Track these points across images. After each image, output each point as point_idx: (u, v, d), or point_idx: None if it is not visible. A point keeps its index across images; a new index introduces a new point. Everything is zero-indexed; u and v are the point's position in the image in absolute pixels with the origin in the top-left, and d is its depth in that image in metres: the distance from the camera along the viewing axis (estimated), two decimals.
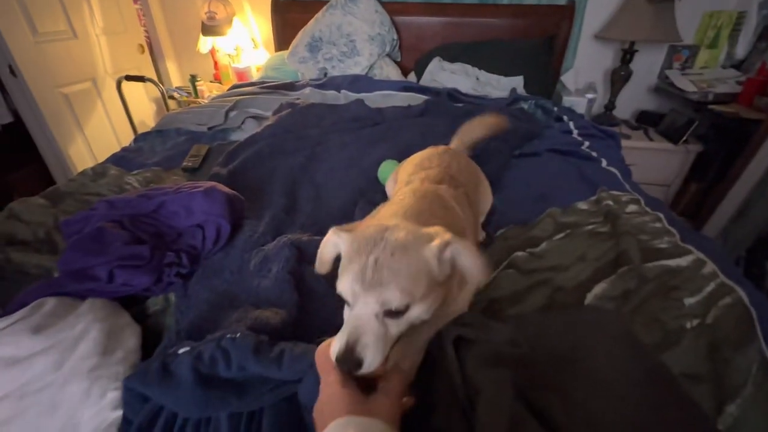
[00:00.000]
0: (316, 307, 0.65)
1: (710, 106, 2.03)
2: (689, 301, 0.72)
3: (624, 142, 2.13)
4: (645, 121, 2.40)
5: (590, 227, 0.95)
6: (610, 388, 0.45)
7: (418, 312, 0.46)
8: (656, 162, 2.21)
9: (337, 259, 0.51)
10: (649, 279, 0.77)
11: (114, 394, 0.51)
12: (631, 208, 1.03)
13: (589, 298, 0.73)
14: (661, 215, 0.99)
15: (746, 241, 1.68)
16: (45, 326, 0.54)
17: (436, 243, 0.47)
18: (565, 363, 0.50)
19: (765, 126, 1.66)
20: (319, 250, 0.53)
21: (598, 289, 0.75)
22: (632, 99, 2.49)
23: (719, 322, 0.67)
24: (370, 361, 0.42)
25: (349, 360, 0.41)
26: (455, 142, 1.17)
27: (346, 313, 0.48)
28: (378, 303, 0.44)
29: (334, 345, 0.43)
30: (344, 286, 0.46)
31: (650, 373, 0.48)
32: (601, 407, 0.44)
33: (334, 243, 0.51)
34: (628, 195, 1.09)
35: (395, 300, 0.43)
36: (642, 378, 0.47)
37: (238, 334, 0.49)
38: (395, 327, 0.45)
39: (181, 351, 0.50)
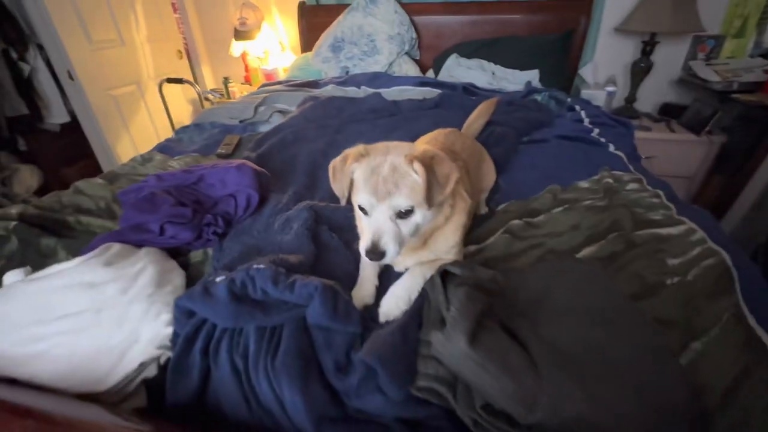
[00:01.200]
0: (328, 258, 0.76)
1: (734, 96, 2.00)
2: (672, 261, 0.77)
3: (645, 134, 2.14)
4: (668, 113, 2.37)
5: (589, 202, 1.01)
6: (572, 312, 0.53)
7: (420, 216, 0.63)
8: (678, 154, 2.18)
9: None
10: (638, 244, 0.83)
11: (166, 316, 0.63)
12: (632, 186, 1.08)
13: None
14: (661, 192, 1.04)
15: (765, 230, 1.65)
16: (113, 262, 0.68)
17: (405, 159, 0.62)
18: (538, 298, 0.58)
19: None
20: (336, 183, 0.68)
21: (587, 251, 0.81)
22: (655, 91, 2.47)
23: (698, 279, 0.73)
24: (391, 252, 0.59)
25: (375, 252, 0.59)
26: (463, 131, 1.26)
27: (364, 220, 0.65)
28: (389, 208, 0.61)
29: (363, 243, 0.61)
30: (363, 199, 0.63)
31: (611, 305, 0.55)
32: (562, 330, 0.51)
33: (349, 172, 0.67)
34: (631, 175, 1.14)
35: (403, 203, 0.61)
36: (599, 307, 0.54)
37: (262, 265, 0.60)
38: (404, 227, 0.62)
39: (218, 279, 0.62)
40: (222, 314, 0.57)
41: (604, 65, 2.49)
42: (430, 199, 0.60)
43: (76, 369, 0.57)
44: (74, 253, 0.83)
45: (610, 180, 1.08)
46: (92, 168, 2.65)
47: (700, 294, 0.69)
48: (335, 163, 0.69)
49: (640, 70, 2.27)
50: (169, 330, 0.62)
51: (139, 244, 0.77)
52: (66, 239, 0.88)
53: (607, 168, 1.14)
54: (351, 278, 0.73)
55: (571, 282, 0.60)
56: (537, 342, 0.50)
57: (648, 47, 2.20)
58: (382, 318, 0.63)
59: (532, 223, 0.93)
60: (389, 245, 0.59)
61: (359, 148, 0.67)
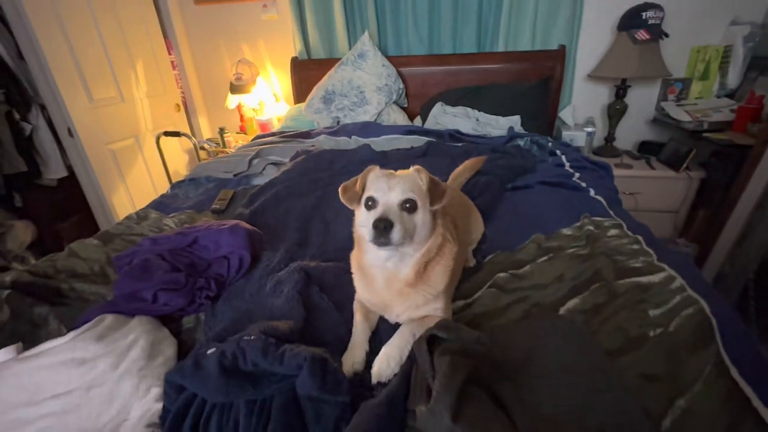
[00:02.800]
0: (319, 321, 0.77)
1: (706, 135, 2.11)
2: (654, 312, 0.79)
3: (626, 172, 2.23)
4: (646, 150, 2.48)
5: (572, 250, 1.04)
6: (554, 377, 0.54)
7: (420, 217, 0.72)
8: (660, 189, 2.26)
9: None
10: (620, 294, 0.85)
11: (157, 390, 0.63)
12: (613, 232, 1.12)
13: (562, 311, 0.81)
14: (640, 238, 1.07)
15: (752, 264, 1.69)
16: (105, 336, 0.69)
17: (413, 168, 0.77)
18: (521, 361, 0.59)
19: (756, 151, 1.73)
20: (356, 184, 0.78)
21: (571, 303, 0.83)
22: (632, 130, 2.59)
23: (680, 329, 0.74)
24: (397, 228, 0.66)
25: (384, 221, 0.65)
26: (449, 182, 1.32)
27: (369, 216, 0.71)
28: (399, 193, 0.70)
29: (370, 220, 0.68)
30: (375, 189, 0.72)
31: (592, 366, 0.56)
32: (544, 392, 0.53)
33: (369, 177, 0.77)
34: (611, 220, 1.18)
35: (409, 193, 0.70)
36: (583, 370, 0.55)
37: (252, 337, 0.62)
38: (408, 221, 0.70)
39: (209, 351, 0.63)
40: (212, 389, 0.58)
41: (581, 108, 2.62)
42: (431, 200, 0.72)
43: None
44: (66, 321, 0.83)
45: (591, 227, 1.12)
46: (87, 222, 2.68)
47: (681, 346, 0.71)
48: (346, 183, 0.80)
49: (616, 111, 2.39)
50: (159, 405, 0.62)
51: (131, 313, 0.79)
52: (58, 307, 0.89)
53: (587, 215, 1.19)
54: (341, 341, 0.74)
55: (553, 342, 0.61)
56: (520, 409, 0.51)
57: (621, 90, 2.34)
58: (374, 379, 0.64)
59: (518, 275, 0.96)
60: (396, 222, 0.66)
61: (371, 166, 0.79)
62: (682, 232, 2.34)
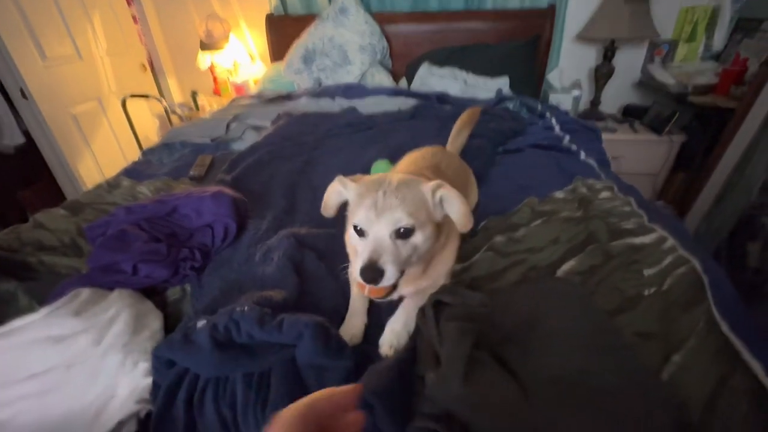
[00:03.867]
0: (314, 288, 0.74)
1: (690, 98, 2.12)
2: (648, 272, 0.80)
3: (610, 136, 2.24)
4: (630, 114, 2.49)
5: (565, 214, 1.04)
6: (560, 339, 0.54)
7: (420, 238, 0.59)
8: (642, 153, 2.29)
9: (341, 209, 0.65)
10: (614, 255, 0.85)
11: (145, 365, 0.60)
12: (604, 194, 1.12)
13: (558, 274, 0.81)
14: (632, 199, 1.08)
15: (728, 224, 1.75)
16: (83, 310, 0.64)
17: (430, 183, 0.60)
18: (526, 324, 0.59)
19: (738, 114, 1.74)
20: (324, 197, 0.66)
21: (567, 266, 0.83)
22: (617, 94, 2.58)
23: (673, 288, 0.76)
24: (390, 274, 0.54)
25: (372, 270, 0.53)
26: (448, 147, 1.27)
27: (359, 244, 0.60)
28: (390, 224, 0.56)
29: (357, 263, 0.56)
30: (360, 216, 0.58)
31: (596, 327, 0.56)
32: (551, 354, 0.52)
33: (338, 191, 0.65)
34: (602, 183, 1.18)
35: (404, 219, 0.56)
36: (588, 331, 0.55)
37: (246, 308, 0.58)
38: (404, 249, 0.58)
39: (199, 324, 0.59)
40: (205, 364, 0.55)
41: (568, 70, 2.58)
42: (430, 219, 0.60)
43: None
44: (37, 297, 0.77)
45: (584, 190, 1.11)
46: (52, 189, 2.50)
47: (675, 304, 0.72)
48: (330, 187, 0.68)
49: (603, 74, 2.36)
50: (149, 381, 0.58)
51: (110, 287, 0.73)
52: (28, 282, 0.82)
53: (580, 178, 1.18)
54: (338, 312, 0.71)
55: (555, 304, 0.61)
56: (527, 371, 0.50)
57: (608, 52, 2.30)
58: (384, 353, 0.62)
59: (514, 238, 0.95)
60: (388, 265, 0.54)
61: (355, 176, 0.66)
62: (660, 194, 2.40)
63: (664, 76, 2.29)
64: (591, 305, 0.61)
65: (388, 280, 0.55)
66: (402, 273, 0.58)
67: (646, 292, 0.75)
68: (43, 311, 0.63)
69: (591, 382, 0.48)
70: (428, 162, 0.95)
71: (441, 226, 0.65)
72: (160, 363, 0.58)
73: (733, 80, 2.01)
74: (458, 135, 1.29)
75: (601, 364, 0.50)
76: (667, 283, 0.77)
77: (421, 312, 0.60)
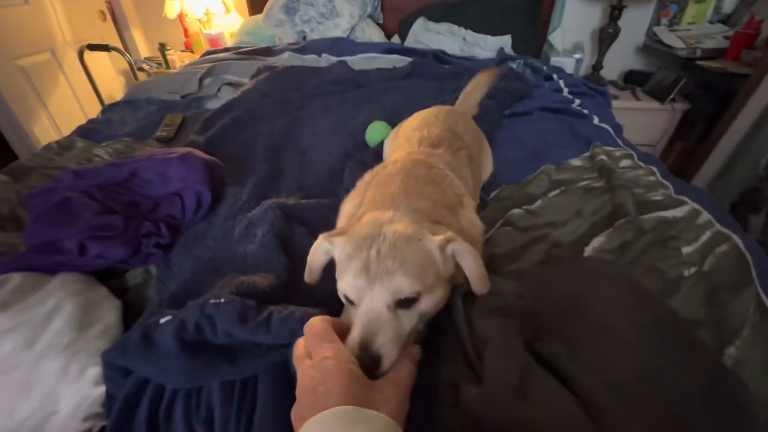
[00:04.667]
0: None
1: (699, 62, 2.01)
2: (686, 249, 0.71)
3: (612, 103, 2.12)
4: (632, 80, 2.37)
5: (585, 183, 0.93)
6: (617, 333, 0.44)
7: (428, 304, 0.44)
8: (643, 122, 2.20)
9: (329, 267, 0.49)
10: (646, 230, 0.76)
11: (95, 370, 0.47)
12: (625, 162, 1.01)
13: (587, 251, 0.71)
14: (655, 169, 0.98)
15: (731, 196, 1.70)
16: (11, 303, 0.50)
17: (438, 237, 0.45)
18: (569, 313, 0.49)
19: (752, 80, 1.65)
20: (308, 258, 0.50)
21: (596, 242, 0.73)
22: (620, 59, 2.45)
23: (716, 268, 0.67)
24: (389, 358, 0.39)
25: (365, 358, 0.38)
26: (457, 105, 1.13)
27: (351, 313, 0.44)
28: (388, 293, 0.41)
29: (348, 341, 0.40)
30: (347, 284, 0.43)
31: (656, 317, 0.47)
32: (608, 353, 0.43)
33: (324, 249, 0.49)
34: (621, 150, 1.07)
35: (406, 286, 0.41)
36: (649, 323, 0.45)
37: (222, 300, 0.45)
38: (407, 320, 0.43)
39: (163, 320, 0.46)
40: (171, 372, 0.42)
41: (571, 31, 2.42)
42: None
43: None
44: None
45: (603, 157, 1.00)
46: (5, 156, 2.24)
47: (721, 287, 0.63)
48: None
49: (608, 36, 2.22)
50: (100, 390, 0.46)
51: (51, 270, 0.59)
52: None
53: (598, 144, 1.07)
54: (337, 298, 0.59)
55: (602, 289, 0.51)
56: (580, 374, 0.40)
57: (615, 11, 2.15)
58: None
59: (531, 211, 0.84)
60: (385, 348, 0.39)
61: (344, 227, 0.50)
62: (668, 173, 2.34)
63: (671, 38, 2.16)
64: (645, 290, 0.51)
65: (385, 367, 0.39)
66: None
67: (686, 273, 0.66)
68: None
69: (668, 387, 0.39)
70: (442, 124, 0.81)
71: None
72: (113, 371, 0.45)
73: (746, 44, 1.90)
74: (470, 96, 1.14)
75: (676, 363, 0.41)
76: (708, 262, 0.68)
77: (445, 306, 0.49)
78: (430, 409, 0.41)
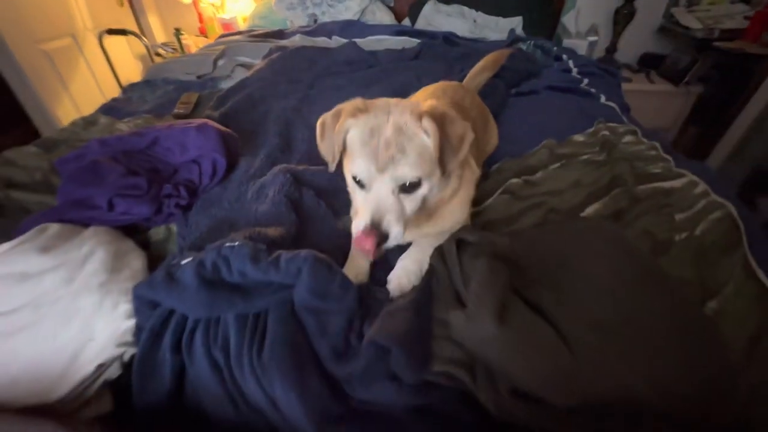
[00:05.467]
0: (314, 227, 0.67)
1: (716, 44, 1.96)
2: (680, 216, 0.73)
3: (625, 86, 2.07)
4: (647, 63, 2.33)
5: (586, 156, 0.95)
6: (600, 281, 0.47)
7: (427, 188, 0.52)
8: (657, 105, 2.17)
9: None
10: (642, 199, 0.78)
11: (126, 306, 0.53)
12: (628, 138, 1.03)
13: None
14: (657, 144, 0.99)
15: (740, 177, 1.69)
16: (52, 247, 0.56)
17: (425, 119, 0.51)
18: (557, 265, 0.52)
19: None
20: (335, 137, 0.55)
21: (591, 209, 0.76)
22: (635, 41, 2.40)
23: (707, 233, 0.69)
24: (396, 234, 0.48)
25: (375, 233, 0.47)
26: (466, 82, 1.15)
27: (359, 195, 0.53)
28: (393, 180, 0.50)
29: (358, 222, 0.49)
30: (360, 167, 0.51)
31: (637, 266, 0.50)
32: (591, 298, 0.46)
33: (346, 127, 0.54)
34: (625, 126, 1.08)
35: (409, 174, 0.50)
36: (630, 271, 0.49)
37: (237, 243, 0.51)
38: (409, 203, 0.51)
39: (184, 261, 0.52)
40: (192, 304, 0.48)
41: (586, 13, 2.37)
42: (442, 166, 0.51)
43: (17, 378, 0.47)
44: (4, 235, 0.69)
45: (606, 132, 1.02)
46: (31, 135, 2.34)
47: (710, 249, 0.66)
48: (325, 118, 0.57)
49: (623, 17, 2.18)
50: (131, 323, 0.52)
51: (84, 223, 0.65)
52: None
53: (602, 120, 1.08)
54: (341, 251, 0.64)
55: (588, 245, 0.54)
56: (565, 315, 0.44)
57: None
58: (394, 293, 0.56)
59: (531, 181, 0.87)
60: (392, 226, 0.48)
61: (356, 101, 0.55)
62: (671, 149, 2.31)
63: (689, 19, 2.11)
64: (630, 244, 0.54)
65: (393, 241, 0.49)
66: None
67: (677, 237, 0.69)
68: (4, 246, 0.55)
69: (639, 324, 0.43)
70: (449, 97, 0.84)
71: (448, 168, 0.55)
72: (143, 303, 0.51)
73: (766, 24, 1.85)
74: (478, 75, 1.16)
75: (648, 304, 0.44)
76: (701, 228, 0.71)
77: (438, 251, 0.53)
78: (428, 340, 0.45)
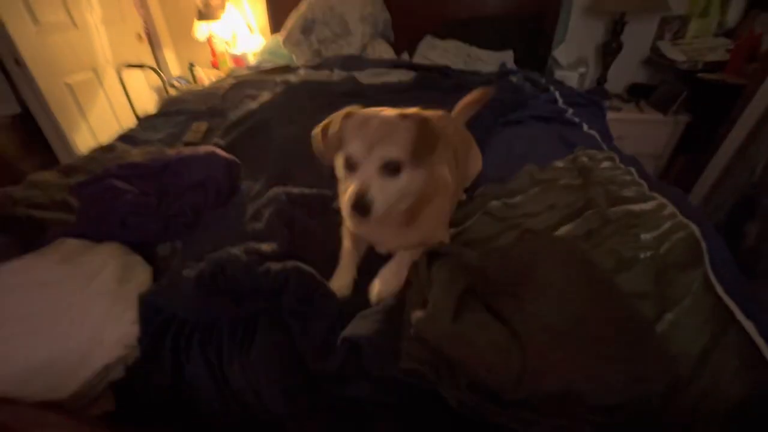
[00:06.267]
0: (304, 244, 0.73)
1: (700, 75, 2.06)
2: (646, 236, 0.79)
3: (615, 115, 2.19)
4: (636, 93, 2.42)
5: (564, 181, 1.02)
6: (556, 290, 0.53)
7: (407, 179, 0.61)
8: (646, 133, 2.25)
9: None
10: (612, 220, 0.84)
11: (131, 314, 0.59)
12: (606, 164, 1.09)
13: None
14: (633, 169, 1.06)
15: (726, 205, 1.73)
16: (69, 258, 0.63)
17: (406, 119, 0.63)
18: (520, 277, 0.58)
19: (748, 90, 1.70)
20: (330, 132, 0.66)
21: (564, 229, 0.82)
22: (624, 72, 2.51)
23: (670, 251, 0.74)
24: (378, 204, 0.57)
25: (361, 202, 0.56)
26: (453, 114, 1.24)
27: (349, 179, 0.62)
28: (378, 158, 0.59)
29: (346, 197, 0.58)
30: (352, 148, 0.61)
31: (590, 278, 0.55)
32: (546, 305, 0.51)
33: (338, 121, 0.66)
34: (604, 153, 1.15)
35: (392, 152, 0.59)
36: (583, 282, 0.54)
37: (233, 255, 0.57)
38: (391, 185, 0.60)
39: (185, 271, 0.58)
40: (191, 309, 0.54)
41: (576, 46, 2.50)
42: (417, 156, 0.61)
43: (33, 375, 0.53)
44: (25, 249, 0.76)
45: (585, 159, 1.09)
46: (50, 162, 2.48)
47: (671, 266, 0.71)
48: (322, 126, 0.69)
49: (611, 50, 2.30)
50: (135, 329, 0.58)
51: (98, 239, 0.72)
52: (17, 236, 0.81)
53: (582, 147, 1.15)
54: (330, 267, 0.70)
55: (552, 259, 0.60)
56: (521, 318, 0.49)
57: (618, 27, 2.23)
58: (373, 299, 0.62)
59: (510, 204, 0.93)
60: (377, 196, 0.57)
61: (349, 108, 0.66)
62: (662, 176, 2.37)
63: (673, 52, 2.22)
64: (586, 258, 0.59)
65: (376, 212, 0.57)
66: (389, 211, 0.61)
67: (643, 255, 0.74)
68: (29, 257, 0.62)
69: (587, 330, 0.48)
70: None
71: (425, 167, 0.66)
72: (147, 309, 0.57)
73: (746, 57, 1.95)
74: (463, 111, 1.25)
75: (598, 312, 0.49)
76: (664, 246, 0.76)
77: (414, 265, 0.59)
78: (397, 340, 0.51)
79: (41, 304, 0.56)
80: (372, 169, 0.59)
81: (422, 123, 0.62)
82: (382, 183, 0.59)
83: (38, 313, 0.55)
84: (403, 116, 0.63)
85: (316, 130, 0.70)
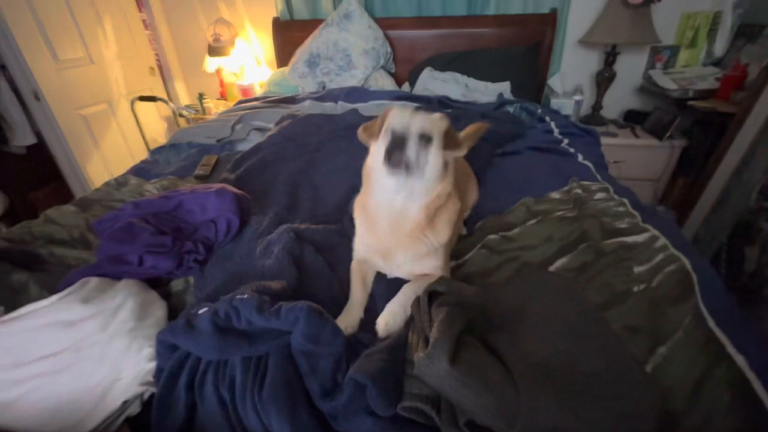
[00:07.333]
0: (312, 280, 0.77)
1: (690, 103, 2.13)
2: (638, 269, 0.82)
3: (611, 140, 2.25)
4: (632, 119, 2.50)
5: (560, 213, 1.06)
6: (548, 327, 0.56)
7: (434, 155, 0.72)
8: (643, 158, 2.30)
9: None
10: (606, 253, 0.87)
11: (149, 350, 0.63)
12: (599, 195, 1.14)
13: (551, 270, 0.83)
14: (626, 201, 1.10)
15: (726, 228, 1.76)
16: (91, 298, 0.67)
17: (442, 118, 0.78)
18: (516, 313, 0.61)
19: (737, 118, 1.76)
20: (380, 121, 0.79)
21: (559, 263, 0.85)
22: (619, 99, 2.59)
23: (662, 285, 0.77)
24: (412, 147, 0.69)
25: (400, 139, 0.69)
26: None
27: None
28: (418, 125, 0.71)
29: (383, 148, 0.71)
30: (399, 117, 0.73)
31: (581, 316, 0.58)
32: (538, 342, 0.54)
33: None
34: (598, 184, 1.20)
35: (426, 127, 0.71)
36: (574, 319, 0.57)
37: (246, 295, 0.61)
38: (422, 154, 0.71)
39: (201, 311, 0.62)
40: (206, 347, 0.57)
41: (570, 75, 2.60)
42: (445, 141, 0.74)
43: (56, 412, 0.56)
44: (48, 287, 0.80)
45: (579, 191, 1.13)
46: (62, 191, 2.56)
47: (663, 300, 0.74)
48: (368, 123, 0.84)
49: (604, 79, 2.38)
50: (152, 365, 0.61)
51: (117, 277, 0.76)
52: (38, 273, 0.85)
53: (575, 179, 1.20)
54: (336, 302, 0.74)
55: (545, 295, 0.63)
56: (515, 356, 0.52)
57: (610, 57, 2.32)
58: (381, 333, 0.66)
59: (508, 237, 0.97)
60: (411, 143, 0.68)
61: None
62: (661, 200, 2.41)
63: (665, 81, 2.30)
64: (578, 295, 0.63)
65: (410, 153, 0.68)
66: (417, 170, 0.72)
67: (636, 289, 0.77)
68: (54, 298, 0.66)
69: (577, 367, 0.50)
70: None
71: (446, 167, 0.77)
72: (164, 347, 0.60)
73: (734, 85, 2.02)
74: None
75: (587, 349, 0.52)
76: (657, 279, 0.79)
77: (416, 301, 0.62)
78: (399, 378, 0.54)
79: (66, 343, 0.60)
80: (411, 131, 0.70)
81: (448, 122, 0.77)
82: (418, 144, 0.70)
83: (62, 353, 0.59)
84: (441, 117, 0.77)
85: (361, 127, 0.85)
